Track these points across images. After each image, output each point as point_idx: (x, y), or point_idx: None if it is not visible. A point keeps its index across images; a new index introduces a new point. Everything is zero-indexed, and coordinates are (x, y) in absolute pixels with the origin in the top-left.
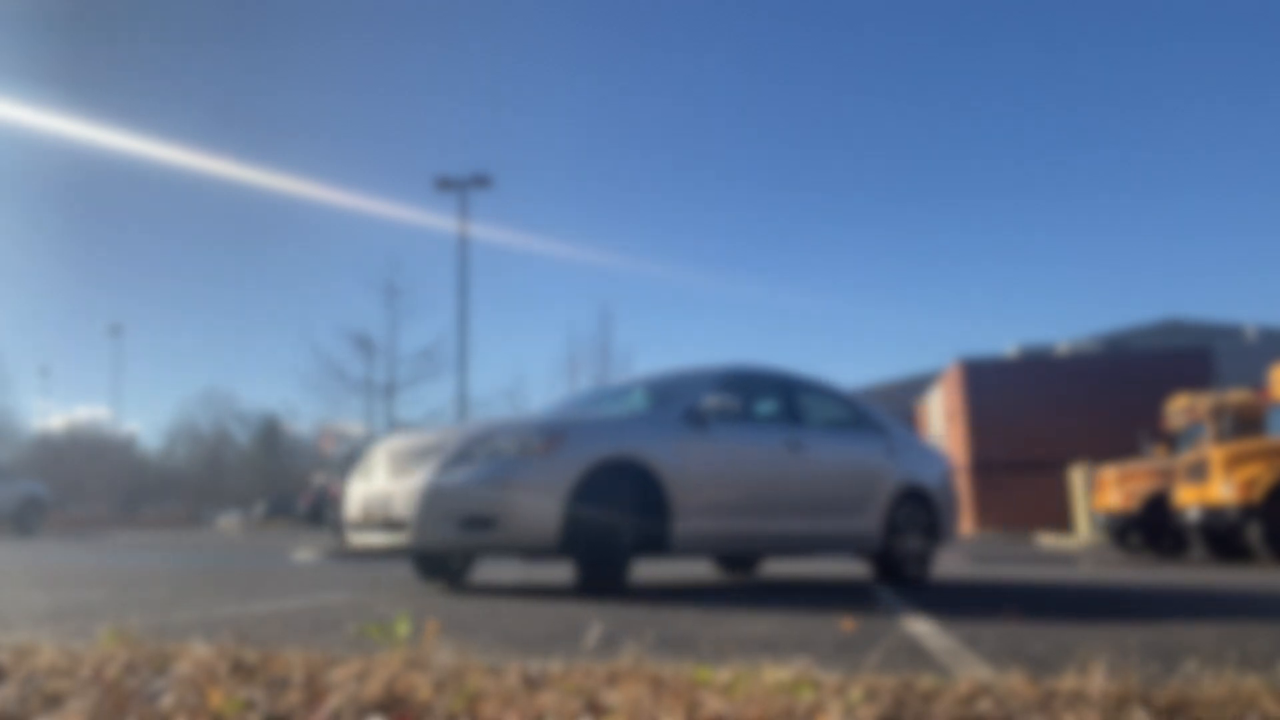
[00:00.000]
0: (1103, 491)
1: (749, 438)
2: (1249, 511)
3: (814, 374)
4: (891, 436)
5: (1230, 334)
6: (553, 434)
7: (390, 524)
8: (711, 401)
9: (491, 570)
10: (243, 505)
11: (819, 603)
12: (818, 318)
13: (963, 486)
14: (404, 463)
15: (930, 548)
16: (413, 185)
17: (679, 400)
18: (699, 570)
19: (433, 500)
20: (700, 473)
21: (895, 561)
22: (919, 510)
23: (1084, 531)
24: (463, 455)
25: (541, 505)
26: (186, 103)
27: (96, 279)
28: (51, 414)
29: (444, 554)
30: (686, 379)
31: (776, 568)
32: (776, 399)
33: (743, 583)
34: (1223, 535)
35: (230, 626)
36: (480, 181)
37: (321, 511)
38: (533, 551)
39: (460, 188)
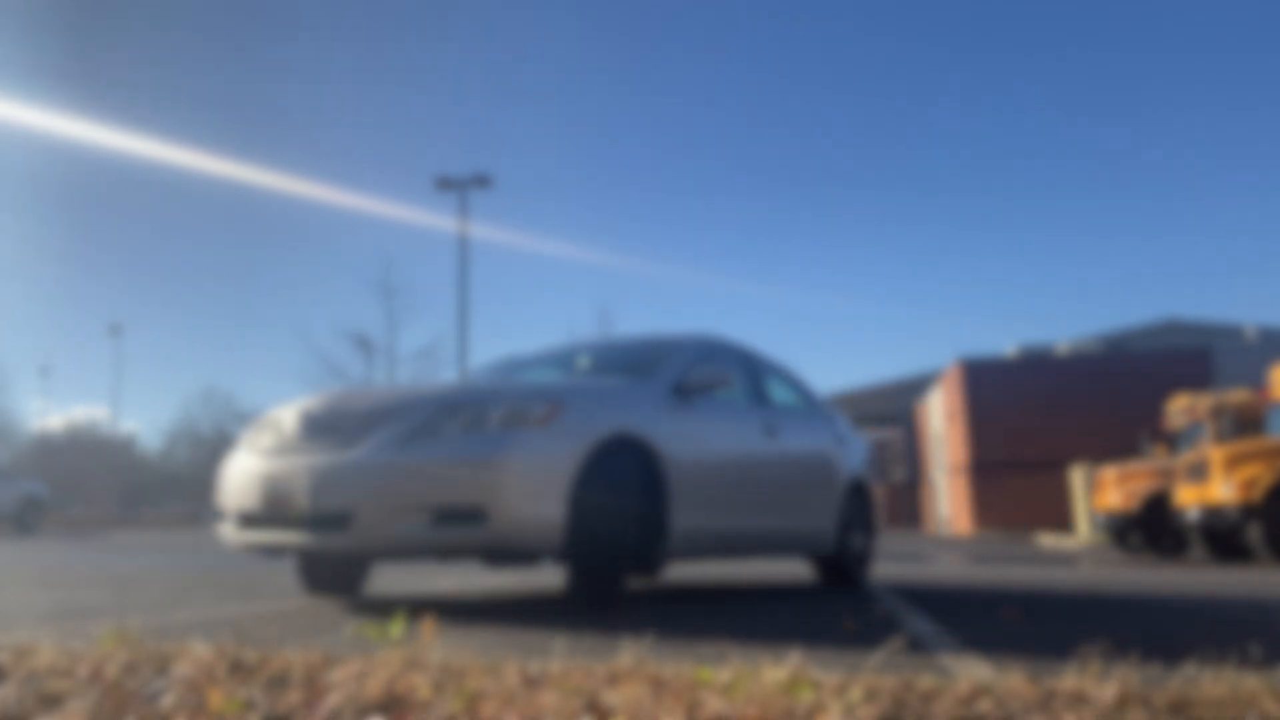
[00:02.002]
0: (1103, 491)
1: (732, 419)
2: (1249, 511)
3: (774, 355)
4: (835, 423)
5: (1230, 334)
6: (553, 402)
7: (317, 517)
8: (700, 374)
9: (384, 582)
10: None
11: (817, 604)
12: (817, 317)
13: (962, 486)
14: (335, 432)
15: (871, 546)
16: (413, 185)
17: (661, 371)
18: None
19: (394, 483)
20: (696, 458)
21: (845, 562)
22: (863, 505)
23: (1084, 531)
24: (430, 424)
25: (545, 493)
26: (186, 102)
27: (96, 279)
28: (49, 414)
29: (396, 557)
30: (660, 347)
31: (684, 572)
32: (744, 376)
33: (656, 588)
34: (1223, 535)
35: (230, 626)
36: (480, 181)
37: None
38: (527, 554)
39: (460, 188)
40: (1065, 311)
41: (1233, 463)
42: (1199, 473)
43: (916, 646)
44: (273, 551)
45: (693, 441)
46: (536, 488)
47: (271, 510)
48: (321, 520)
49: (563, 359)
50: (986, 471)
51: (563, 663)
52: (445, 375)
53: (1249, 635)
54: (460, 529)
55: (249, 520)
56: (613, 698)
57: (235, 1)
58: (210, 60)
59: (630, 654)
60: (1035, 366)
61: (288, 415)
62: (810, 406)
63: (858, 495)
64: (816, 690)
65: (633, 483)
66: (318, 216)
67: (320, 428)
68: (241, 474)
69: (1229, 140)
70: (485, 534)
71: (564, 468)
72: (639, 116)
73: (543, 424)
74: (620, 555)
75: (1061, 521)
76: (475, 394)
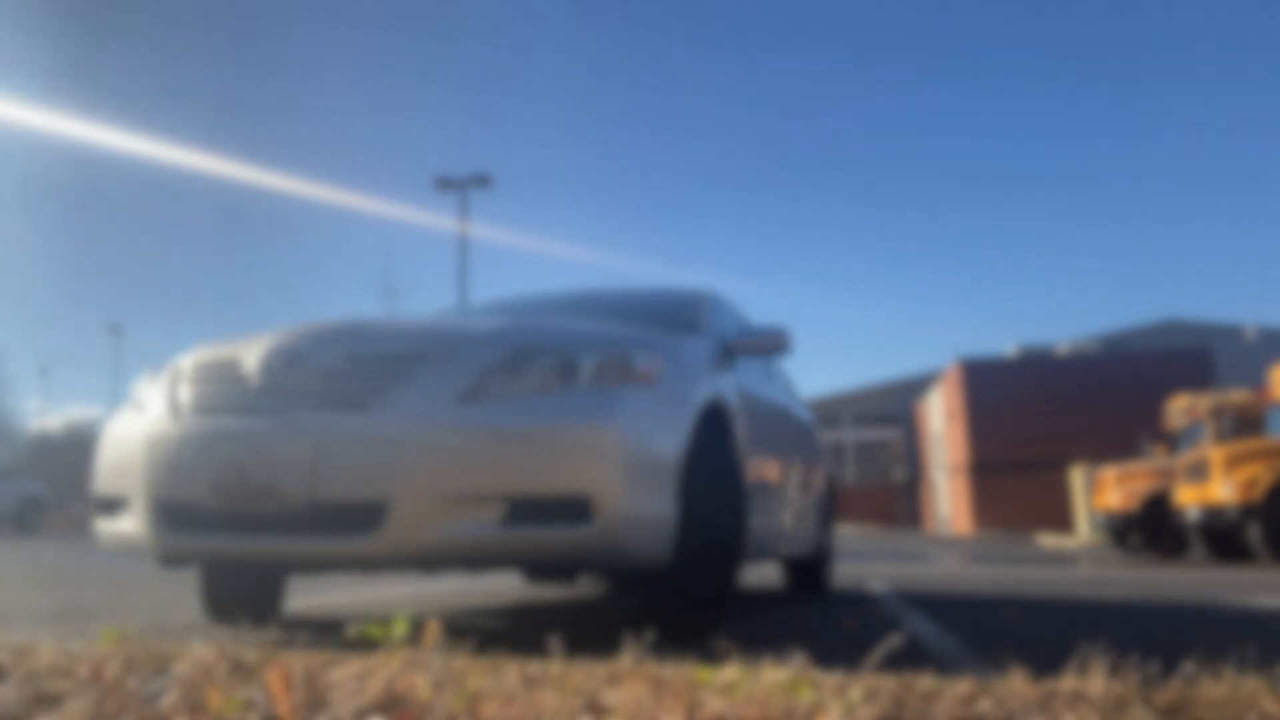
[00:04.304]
0: (1103, 491)
1: (764, 393)
2: (1249, 511)
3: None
4: (808, 410)
5: (1230, 334)
6: (655, 351)
7: (326, 511)
8: (750, 334)
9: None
10: None
11: (813, 605)
12: (818, 317)
13: (962, 486)
14: (339, 382)
15: (833, 546)
16: (413, 185)
17: (708, 328)
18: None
19: (449, 461)
20: (757, 437)
21: (819, 564)
22: (831, 503)
23: (1084, 531)
24: (494, 374)
25: (659, 477)
26: (186, 102)
27: (96, 279)
28: (49, 414)
29: (443, 568)
30: (678, 300)
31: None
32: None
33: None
34: (1223, 535)
35: (229, 627)
36: (480, 181)
37: None
38: (631, 565)
39: (460, 188)
40: (1065, 311)
41: (1233, 463)
42: (1199, 473)
43: (916, 646)
44: (178, 562)
45: (753, 416)
46: (651, 470)
47: (233, 502)
48: (334, 516)
49: (555, 308)
50: (986, 471)
51: (563, 663)
52: None
53: (1249, 636)
54: (548, 528)
55: (184, 516)
56: (613, 698)
57: (235, 3)
58: (210, 61)
59: (630, 654)
60: (1035, 366)
61: (249, 356)
62: (791, 390)
63: (829, 492)
64: (816, 690)
65: (723, 468)
66: (318, 216)
67: (312, 375)
68: (166, 445)
69: (1229, 140)
70: (586, 537)
71: (675, 443)
72: (638, 116)
73: (648, 381)
74: (730, 562)
75: (1061, 521)
76: (551, 334)
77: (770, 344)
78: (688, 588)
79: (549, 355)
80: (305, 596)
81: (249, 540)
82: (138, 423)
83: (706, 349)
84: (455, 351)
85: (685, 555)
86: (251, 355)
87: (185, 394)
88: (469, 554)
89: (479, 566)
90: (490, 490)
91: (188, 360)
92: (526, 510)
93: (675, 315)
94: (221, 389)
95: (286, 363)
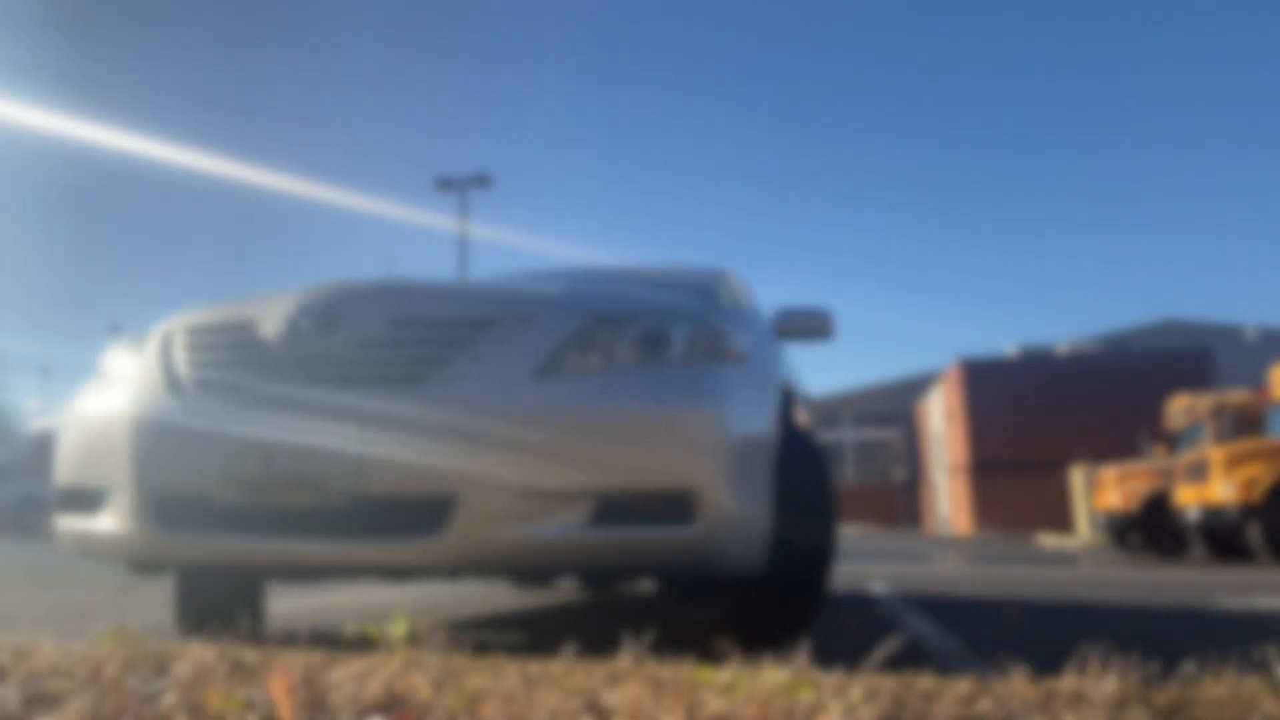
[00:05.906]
0: (1103, 491)
1: (799, 379)
2: (1249, 511)
3: None
4: None
5: (1230, 334)
6: (744, 327)
7: (380, 508)
8: (794, 318)
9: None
10: None
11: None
12: None
13: (962, 486)
14: (383, 350)
15: None
16: (413, 185)
17: (749, 309)
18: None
19: (528, 449)
20: (809, 425)
21: None
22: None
23: (1084, 531)
24: (572, 345)
25: (757, 469)
26: (187, 102)
27: (96, 279)
28: (49, 414)
29: (517, 575)
30: (710, 276)
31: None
32: None
33: (648, 591)
34: (1223, 535)
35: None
36: (480, 181)
37: None
38: (726, 574)
39: (460, 188)
40: (1065, 311)
41: (1233, 463)
42: (1199, 473)
43: (917, 646)
44: (166, 567)
45: (804, 403)
46: (750, 461)
47: (255, 495)
48: (388, 514)
49: (582, 282)
50: (986, 471)
51: (563, 663)
52: None
53: (1249, 636)
54: (644, 529)
55: (186, 512)
56: (613, 698)
57: (236, 3)
58: (211, 61)
59: (630, 654)
60: (1035, 366)
61: (267, 318)
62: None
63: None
64: (816, 690)
65: (811, 454)
66: (318, 216)
67: (351, 343)
68: (162, 425)
69: (1230, 140)
70: (686, 539)
71: (769, 429)
72: (636, 115)
73: (741, 360)
74: (823, 564)
75: (1061, 521)
76: (634, 301)
77: (815, 326)
78: (778, 595)
79: (637, 325)
80: (301, 597)
81: (274, 541)
82: (118, 400)
83: (766, 327)
84: (528, 317)
85: (778, 558)
86: (271, 317)
87: (183, 363)
88: (551, 559)
89: (557, 573)
90: (576, 484)
91: (181, 322)
92: (618, 508)
93: (711, 293)
94: (233, 357)
95: (318, 327)
